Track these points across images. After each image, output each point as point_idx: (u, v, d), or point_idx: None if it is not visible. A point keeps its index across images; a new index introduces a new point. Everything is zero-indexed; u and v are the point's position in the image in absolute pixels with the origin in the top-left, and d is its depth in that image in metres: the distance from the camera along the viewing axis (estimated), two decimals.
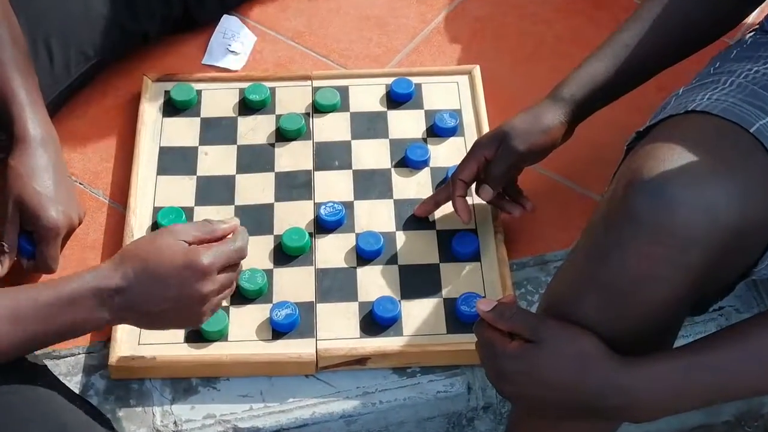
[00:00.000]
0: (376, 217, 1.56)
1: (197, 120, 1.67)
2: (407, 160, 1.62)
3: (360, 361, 1.42)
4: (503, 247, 1.52)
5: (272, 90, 1.71)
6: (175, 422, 1.38)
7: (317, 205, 1.56)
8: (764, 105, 1.18)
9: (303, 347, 1.42)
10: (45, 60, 1.60)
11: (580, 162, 1.63)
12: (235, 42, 1.80)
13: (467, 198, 1.50)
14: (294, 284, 1.48)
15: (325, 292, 1.48)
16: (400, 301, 1.46)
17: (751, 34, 1.37)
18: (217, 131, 1.66)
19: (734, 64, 1.29)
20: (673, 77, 1.48)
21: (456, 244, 1.51)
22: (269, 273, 1.49)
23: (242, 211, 1.56)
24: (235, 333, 1.43)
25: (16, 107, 1.46)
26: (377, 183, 1.60)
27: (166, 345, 1.41)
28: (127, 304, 1.20)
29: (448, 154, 1.63)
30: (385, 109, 1.70)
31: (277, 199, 1.58)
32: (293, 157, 1.63)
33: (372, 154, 1.64)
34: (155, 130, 1.65)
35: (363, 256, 1.51)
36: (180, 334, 1.42)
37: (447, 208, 1.53)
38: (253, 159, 1.62)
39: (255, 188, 1.59)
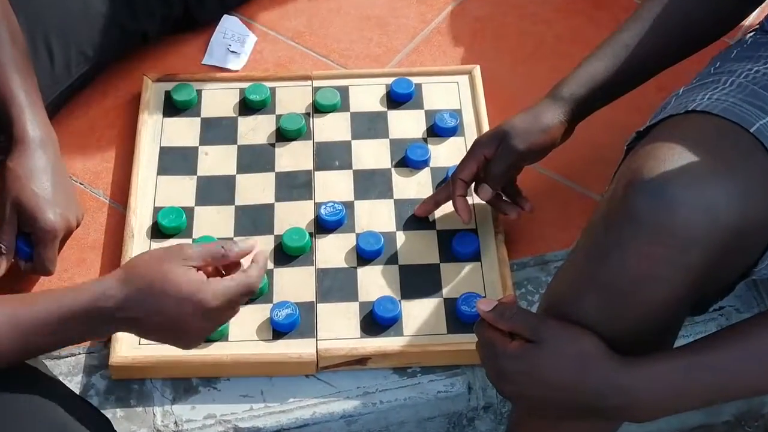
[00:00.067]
0: (376, 217, 1.56)
1: (197, 120, 1.67)
2: (407, 160, 1.62)
3: (360, 361, 1.42)
4: (503, 247, 1.51)
5: (272, 90, 1.70)
6: (175, 422, 1.38)
7: (317, 205, 1.56)
8: (764, 105, 1.18)
9: (303, 347, 1.42)
10: (45, 60, 1.60)
11: (580, 162, 1.63)
12: (235, 42, 1.80)
13: (467, 198, 1.50)
14: (294, 284, 1.48)
15: (325, 292, 1.48)
16: (400, 301, 1.46)
17: (752, 33, 1.37)
18: (217, 131, 1.66)
19: (734, 64, 1.29)
20: (673, 77, 1.47)
21: (456, 244, 1.51)
22: (269, 273, 1.49)
23: (242, 211, 1.56)
24: (235, 333, 1.43)
25: (15, 108, 1.46)
26: (377, 183, 1.60)
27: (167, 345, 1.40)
28: (128, 322, 1.19)
29: (449, 154, 1.63)
30: (386, 109, 1.70)
31: (278, 199, 1.58)
32: (293, 157, 1.63)
33: (372, 154, 1.64)
34: (155, 130, 1.65)
35: (363, 256, 1.51)
36: None
37: (447, 207, 1.53)
38: (254, 159, 1.62)
39: (255, 188, 1.59)
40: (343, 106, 1.69)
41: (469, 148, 1.48)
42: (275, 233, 1.53)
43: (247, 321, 1.44)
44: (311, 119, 1.67)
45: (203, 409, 1.40)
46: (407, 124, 1.68)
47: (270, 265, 1.50)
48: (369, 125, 1.67)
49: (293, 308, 1.43)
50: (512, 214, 1.50)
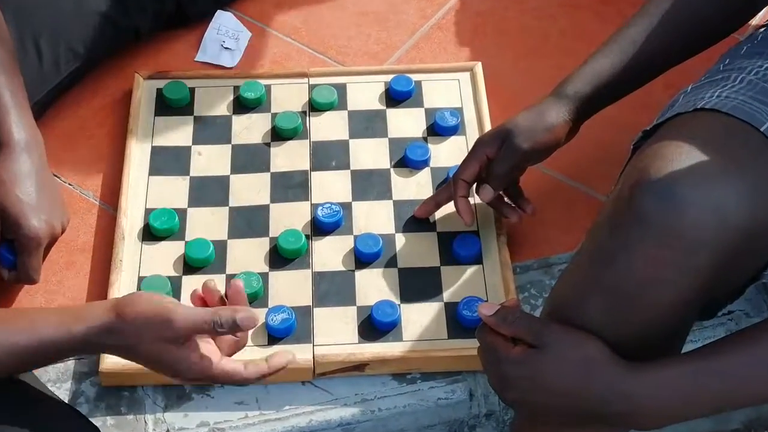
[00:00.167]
0: (374, 218, 1.55)
1: (190, 119, 1.67)
2: (407, 160, 1.61)
3: (358, 367, 1.41)
4: (506, 250, 1.51)
5: (267, 88, 1.70)
6: (167, 430, 1.37)
7: (314, 207, 1.55)
8: None
9: (300, 353, 1.40)
10: (33, 57, 1.59)
11: (585, 161, 1.63)
12: (229, 38, 1.79)
13: (469, 199, 1.49)
14: (290, 288, 1.47)
15: (322, 296, 1.47)
16: (399, 305, 1.45)
17: (763, 29, 1.36)
18: (210, 130, 1.65)
19: (744, 61, 1.28)
20: (681, 74, 1.46)
21: (457, 247, 1.50)
22: (265, 276, 1.48)
23: (237, 213, 1.55)
24: None
25: (0, 110, 1.45)
26: (376, 183, 1.59)
27: None
28: (118, 352, 1.18)
29: (449, 153, 1.63)
30: (384, 108, 1.69)
31: (273, 200, 1.57)
32: (289, 156, 1.62)
33: (370, 154, 1.63)
34: (147, 129, 1.64)
35: (361, 259, 1.50)
36: None
37: (448, 209, 1.53)
38: (248, 159, 1.62)
39: (250, 189, 1.58)
40: (340, 104, 1.69)
41: (470, 147, 1.48)
42: (270, 235, 1.53)
43: None
44: (307, 118, 1.67)
45: (196, 416, 1.39)
46: (407, 122, 1.67)
47: (265, 268, 1.49)
48: (367, 124, 1.67)
49: (289, 313, 1.42)
50: (513, 217, 1.50)
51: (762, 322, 1.14)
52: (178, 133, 1.64)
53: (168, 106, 1.67)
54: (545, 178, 1.62)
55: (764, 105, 1.16)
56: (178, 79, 1.69)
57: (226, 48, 1.77)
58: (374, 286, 1.48)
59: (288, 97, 1.69)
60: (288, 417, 1.39)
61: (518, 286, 1.50)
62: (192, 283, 1.45)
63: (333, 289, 1.47)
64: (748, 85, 1.21)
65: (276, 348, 1.40)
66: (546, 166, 1.55)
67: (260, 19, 1.85)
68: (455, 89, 1.71)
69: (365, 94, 1.70)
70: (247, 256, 1.49)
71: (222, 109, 1.67)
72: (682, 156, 1.08)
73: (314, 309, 1.45)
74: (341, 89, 1.70)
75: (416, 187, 1.59)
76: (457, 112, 1.66)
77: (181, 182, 1.58)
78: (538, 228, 1.56)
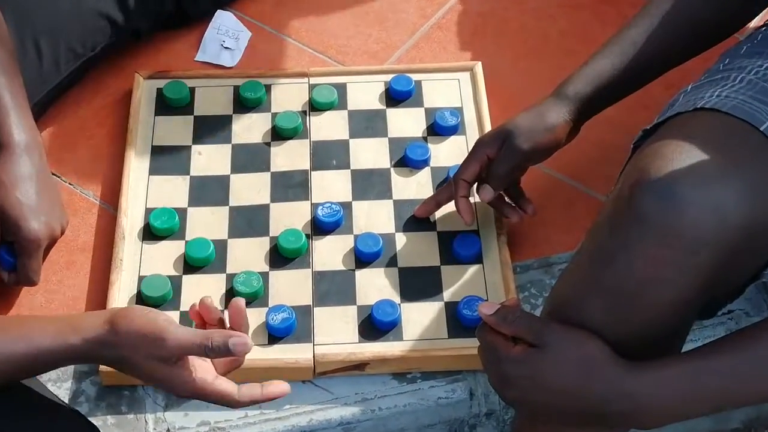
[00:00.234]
0: (375, 218, 1.55)
1: (190, 118, 1.66)
2: (407, 160, 1.61)
3: (359, 367, 1.41)
4: (506, 249, 1.51)
5: (268, 87, 1.69)
6: (168, 430, 1.37)
7: (314, 206, 1.55)
8: None
9: (300, 352, 1.41)
10: (33, 57, 1.58)
11: (585, 161, 1.63)
12: (229, 38, 1.79)
13: (470, 198, 1.48)
14: (290, 287, 1.47)
15: (322, 295, 1.47)
16: (399, 304, 1.45)
17: (763, 29, 1.36)
18: (210, 130, 1.65)
19: (744, 60, 1.28)
20: (681, 74, 1.46)
21: (457, 246, 1.50)
22: (265, 276, 1.48)
23: (237, 212, 1.54)
24: None
25: (0, 112, 1.44)
26: (376, 183, 1.59)
27: None
28: (114, 364, 1.18)
29: (449, 153, 1.63)
30: (384, 107, 1.69)
31: (273, 199, 1.56)
32: (289, 156, 1.62)
33: (371, 154, 1.63)
34: (147, 128, 1.64)
35: (362, 259, 1.50)
36: None
37: (448, 208, 1.52)
38: (248, 158, 1.61)
39: (250, 188, 1.58)
40: (340, 103, 1.68)
41: (470, 147, 1.48)
42: (271, 235, 1.52)
43: None
44: (308, 117, 1.66)
45: (196, 416, 1.38)
46: (407, 122, 1.67)
47: (265, 268, 1.49)
48: (367, 124, 1.66)
49: (289, 312, 1.42)
50: (514, 217, 1.50)
51: (762, 321, 1.14)
52: (178, 133, 1.63)
53: (168, 106, 1.66)
54: (545, 178, 1.62)
55: (764, 104, 1.16)
56: (178, 78, 1.69)
57: (226, 48, 1.77)
58: (374, 286, 1.47)
59: (288, 96, 1.69)
60: (288, 416, 1.39)
61: (518, 286, 1.50)
62: (192, 283, 1.46)
63: (333, 288, 1.47)
64: (748, 84, 1.20)
65: (277, 347, 1.40)
66: (546, 165, 1.54)
67: (260, 19, 1.84)
68: (455, 89, 1.70)
69: (365, 93, 1.70)
70: (248, 255, 1.49)
71: (222, 108, 1.67)
72: (682, 155, 1.08)
73: (314, 308, 1.45)
74: (341, 89, 1.69)
75: (416, 186, 1.58)
76: (457, 111, 1.66)
77: (181, 182, 1.57)
78: (538, 227, 1.56)
